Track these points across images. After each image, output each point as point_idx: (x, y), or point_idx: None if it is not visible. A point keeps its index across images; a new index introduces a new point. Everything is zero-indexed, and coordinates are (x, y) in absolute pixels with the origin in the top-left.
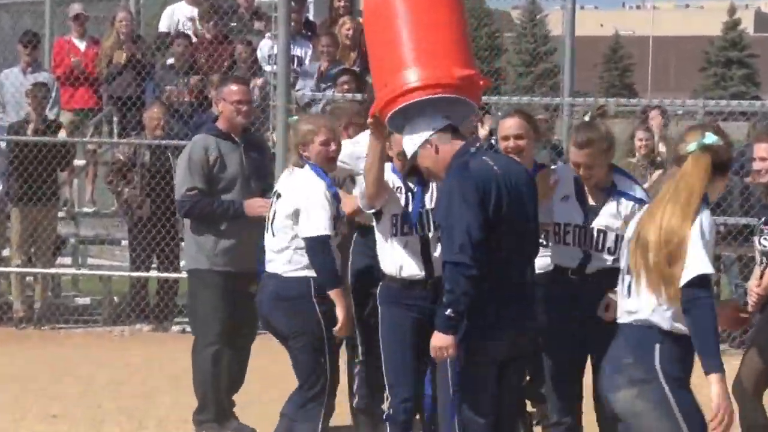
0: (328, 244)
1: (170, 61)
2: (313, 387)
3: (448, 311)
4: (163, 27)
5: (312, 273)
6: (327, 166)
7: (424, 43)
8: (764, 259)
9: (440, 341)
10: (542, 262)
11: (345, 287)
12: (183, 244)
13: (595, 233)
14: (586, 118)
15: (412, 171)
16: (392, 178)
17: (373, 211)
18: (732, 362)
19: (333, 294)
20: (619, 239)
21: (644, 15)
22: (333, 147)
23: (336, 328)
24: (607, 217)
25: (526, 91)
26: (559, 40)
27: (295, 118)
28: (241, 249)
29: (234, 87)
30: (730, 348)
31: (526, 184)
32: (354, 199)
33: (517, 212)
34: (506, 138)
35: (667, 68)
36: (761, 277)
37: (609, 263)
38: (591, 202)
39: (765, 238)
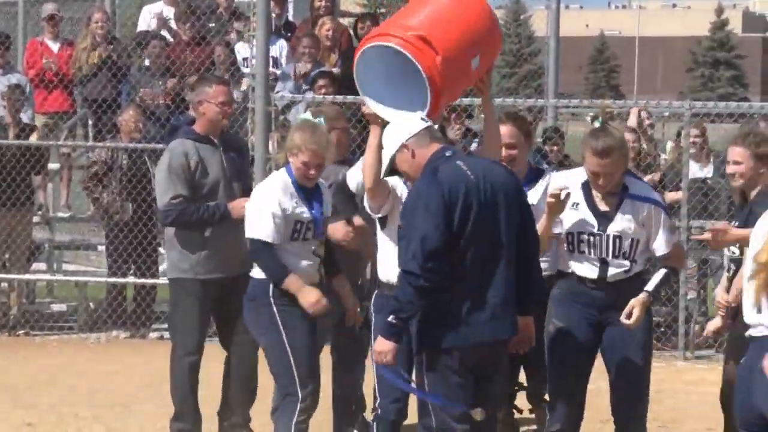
0: (269, 245)
1: (147, 62)
2: (286, 386)
3: (391, 317)
4: (142, 26)
5: (258, 276)
6: (303, 182)
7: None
8: (732, 266)
9: (380, 346)
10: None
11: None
12: (161, 249)
13: (610, 240)
14: (597, 124)
15: (393, 173)
16: (400, 186)
17: (379, 216)
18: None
19: (287, 285)
20: (634, 243)
21: (630, 15)
22: (312, 172)
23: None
24: (621, 222)
25: (510, 92)
26: (543, 41)
27: (307, 116)
28: (228, 253)
29: (218, 88)
30: (717, 353)
31: (505, 190)
32: (343, 225)
33: (491, 219)
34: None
35: (653, 69)
36: (729, 284)
37: (627, 268)
38: (602, 207)
39: (735, 244)
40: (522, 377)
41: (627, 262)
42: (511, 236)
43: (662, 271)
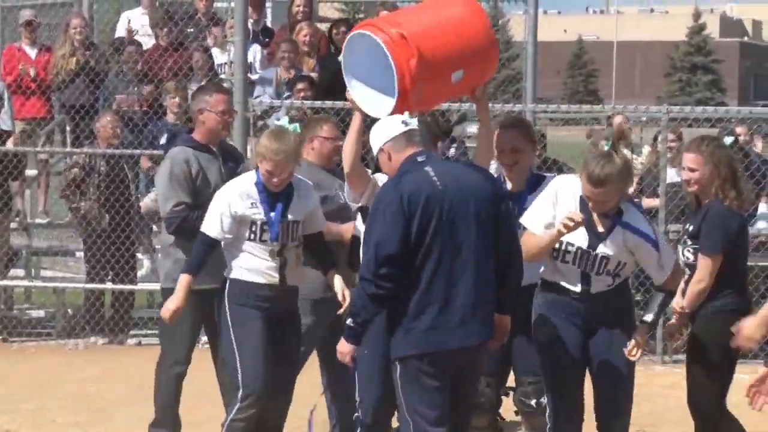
0: (209, 242)
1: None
2: (234, 383)
3: (349, 320)
4: (120, 32)
5: (227, 275)
6: (269, 186)
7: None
8: (686, 270)
9: (341, 347)
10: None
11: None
12: (139, 255)
13: (597, 259)
14: (605, 145)
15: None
16: (382, 179)
17: (359, 206)
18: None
19: (178, 281)
20: (621, 264)
21: (608, 20)
22: (275, 180)
23: None
24: (612, 246)
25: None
26: (521, 46)
27: (283, 122)
28: (220, 262)
29: (218, 96)
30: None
31: (477, 198)
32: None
33: (457, 227)
34: (502, 150)
35: (631, 74)
36: (686, 288)
37: (610, 282)
38: (597, 225)
39: (688, 250)
40: (511, 380)
41: (610, 278)
42: (482, 244)
43: (659, 297)
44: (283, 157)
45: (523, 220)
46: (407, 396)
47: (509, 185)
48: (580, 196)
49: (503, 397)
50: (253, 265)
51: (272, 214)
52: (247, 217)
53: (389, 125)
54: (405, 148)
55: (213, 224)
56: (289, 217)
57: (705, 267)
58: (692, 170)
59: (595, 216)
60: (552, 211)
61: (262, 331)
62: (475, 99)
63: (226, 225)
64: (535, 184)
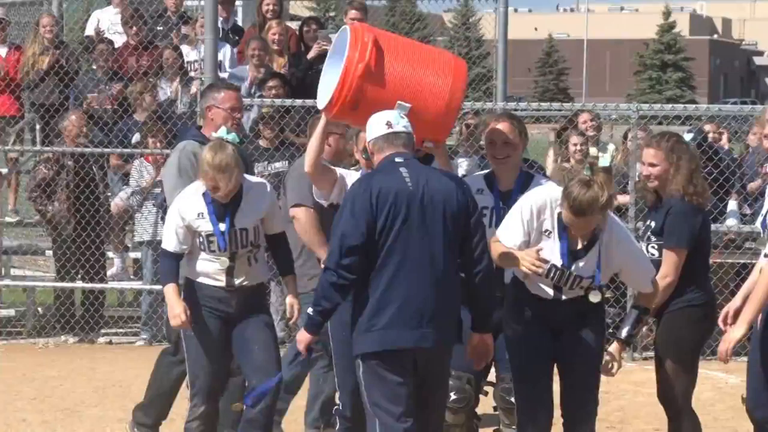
0: (169, 253)
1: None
2: (191, 387)
3: (310, 310)
4: (90, 30)
5: (183, 274)
6: (218, 198)
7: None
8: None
9: (299, 336)
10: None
11: None
12: (109, 254)
13: (572, 277)
14: (585, 172)
15: None
16: (350, 177)
17: (327, 204)
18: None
19: (165, 293)
20: (595, 281)
21: (578, 18)
22: (220, 193)
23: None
24: (588, 264)
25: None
26: (492, 44)
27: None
28: None
29: (227, 93)
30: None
31: (446, 203)
32: None
33: (424, 229)
34: (493, 143)
35: (602, 72)
36: None
37: (582, 293)
38: (574, 244)
39: (653, 246)
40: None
41: (582, 291)
42: (447, 250)
43: (633, 313)
44: (218, 170)
45: (499, 233)
46: (370, 392)
47: (500, 184)
48: (558, 213)
49: (481, 396)
50: (201, 267)
51: (220, 225)
52: (196, 228)
53: (375, 124)
54: (385, 148)
55: (170, 238)
56: (237, 226)
57: (671, 262)
58: (652, 165)
59: (572, 235)
60: (524, 234)
61: (212, 332)
62: (430, 148)
63: (181, 237)
64: (524, 183)
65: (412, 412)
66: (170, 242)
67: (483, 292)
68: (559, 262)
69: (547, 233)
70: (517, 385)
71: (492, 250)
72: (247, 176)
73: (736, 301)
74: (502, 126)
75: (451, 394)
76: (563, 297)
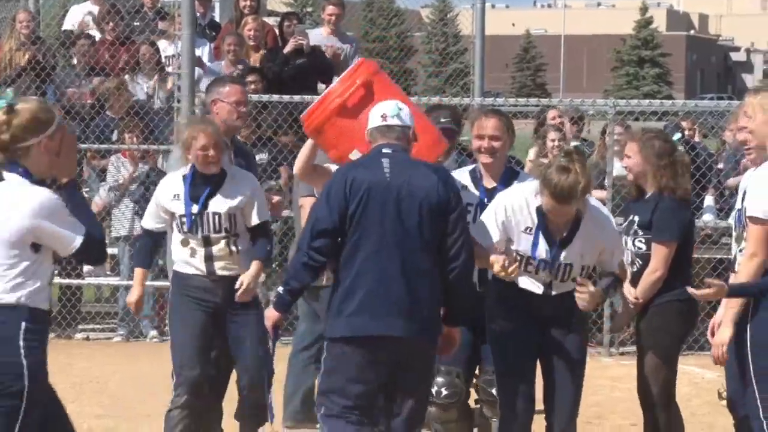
0: (146, 233)
1: (75, 61)
2: (176, 377)
3: (279, 288)
4: (68, 26)
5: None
6: (206, 169)
7: None
8: (639, 261)
9: (268, 312)
10: None
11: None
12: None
13: (561, 267)
14: (562, 161)
15: None
16: None
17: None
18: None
19: (134, 275)
20: (584, 269)
21: (556, 13)
22: (212, 152)
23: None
24: (574, 251)
25: (437, 91)
26: (469, 40)
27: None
28: None
29: (231, 87)
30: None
31: (424, 198)
32: None
33: (399, 223)
34: (481, 137)
35: (579, 68)
36: (633, 278)
37: (573, 287)
38: (557, 234)
39: (640, 240)
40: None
41: (572, 284)
42: (422, 243)
43: (611, 277)
44: (210, 127)
45: (474, 233)
46: (329, 377)
47: (485, 180)
48: (537, 208)
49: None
50: (181, 256)
51: (193, 206)
52: (169, 209)
53: (373, 116)
54: (378, 140)
55: (147, 216)
56: (210, 208)
57: (661, 256)
58: (628, 157)
59: (554, 224)
60: (499, 234)
61: (196, 322)
62: None
63: (156, 216)
64: (509, 179)
65: (364, 408)
66: (147, 219)
67: (457, 289)
68: (545, 255)
69: (527, 230)
70: (500, 379)
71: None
72: (237, 168)
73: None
74: (490, 122)
75: (442, 389)
76: (553, 292)
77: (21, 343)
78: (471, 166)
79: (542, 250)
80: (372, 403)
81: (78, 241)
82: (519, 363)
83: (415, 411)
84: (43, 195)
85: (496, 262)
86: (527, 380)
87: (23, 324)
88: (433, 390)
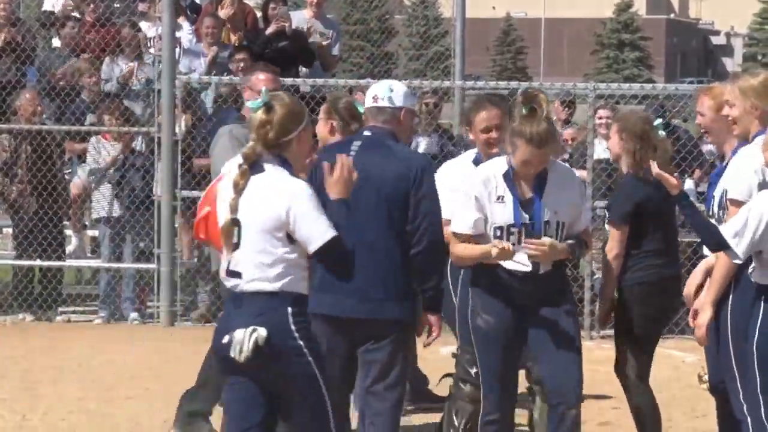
0: None
1: (56, 43)
2: None
3: None
4: (47, 6)
5: None
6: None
7: None
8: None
9: None
10: None
11: None
12: (67, 231)
13: (541, 227)
14: (524, 111)
15: None
16: None
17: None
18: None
19: None
20: (560, 226)
21: None
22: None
23: None
24: (550, 209)
25: (417, 74)
26: (450, 23)
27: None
28: None
29: (262, 76)
30: None
31: (387, 180)
32: None
33: (359, 204)
34: (488, 130)
35: (559, 51)
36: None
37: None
38: (528, 194)
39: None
40: None
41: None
42: (384, 225)
43: (576, 239)
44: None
45: (454, 227)
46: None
47: None
48: (503, 175)
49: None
50: None
51: None
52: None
53: (367, 96)
54: (369, 120)
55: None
56: None
57: (612, 236)
58: (609, 138)
59: (523, 185)
60: (477, 209)
61: None
62: None
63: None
64: None
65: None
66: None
67: (423, 273)
68: (526, 218)
69: (500, 199)
70: (484, 368)
71: (453, 251)
72: None
73: (696, 276)
74: (491, 112)
75: (473, 368)
76: (540, 271)
77: (292, 327)
78: (472, 156)
79: (519, 212)
80: (345, 376)
81: (329, 234)
82: (505, 367)
83: (392, 387)
84: (302, 186)
85: (493, 247)
86: (509, 374)
87: (289, 309)
88: (473, 370)
